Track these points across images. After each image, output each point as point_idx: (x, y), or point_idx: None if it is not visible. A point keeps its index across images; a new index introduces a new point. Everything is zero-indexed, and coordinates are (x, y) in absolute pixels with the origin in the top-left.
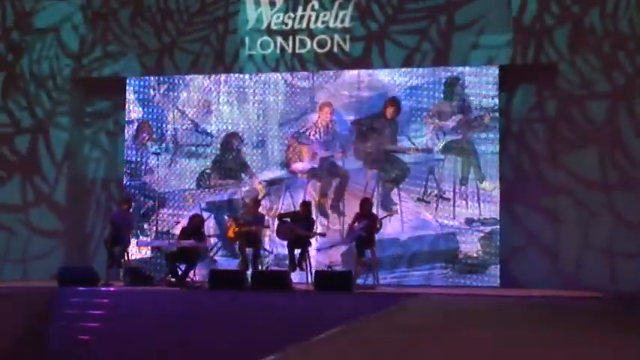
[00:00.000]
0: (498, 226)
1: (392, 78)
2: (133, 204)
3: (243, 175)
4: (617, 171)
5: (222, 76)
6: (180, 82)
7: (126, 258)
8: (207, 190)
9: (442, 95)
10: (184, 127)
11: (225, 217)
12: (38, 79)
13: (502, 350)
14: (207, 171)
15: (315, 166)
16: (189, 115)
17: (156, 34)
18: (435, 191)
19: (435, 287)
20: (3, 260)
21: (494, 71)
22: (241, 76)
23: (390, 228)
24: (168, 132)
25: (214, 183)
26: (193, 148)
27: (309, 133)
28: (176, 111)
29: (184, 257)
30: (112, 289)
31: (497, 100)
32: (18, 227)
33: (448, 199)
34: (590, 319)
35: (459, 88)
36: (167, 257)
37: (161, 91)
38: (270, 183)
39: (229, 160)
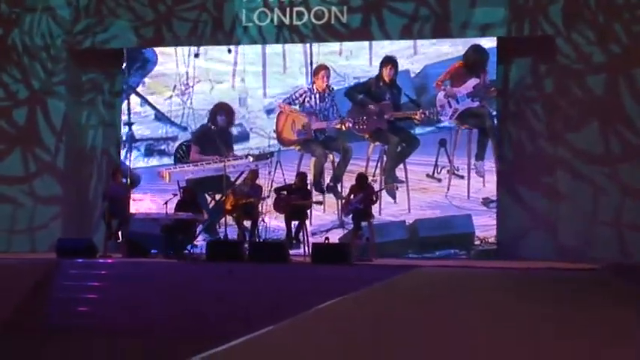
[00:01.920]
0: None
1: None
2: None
3: (226, 150)
4: (621, 142)
5: (201, 49)
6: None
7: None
8: (186, 165)
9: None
10: (144, 115)
11: (206, 196)
12: (31, 51)
13: (494, 322)
14: (186, 144)
15: (309, 136)
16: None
17: (150, 4)
18: (447, 167)
19: (432, 259)
20: (10, 232)
21: (491, 44)
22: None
23: (396, 209)
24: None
25: (194, 158)
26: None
27: (303, 98)
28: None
29: (182, 229)
30: (109, 260)
31: (494, 76)
32: (23, 198)
33: (462, 177)
34: (582, 290)
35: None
36: (164, 230)
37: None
38: (258, 157)
39: (212, 133)
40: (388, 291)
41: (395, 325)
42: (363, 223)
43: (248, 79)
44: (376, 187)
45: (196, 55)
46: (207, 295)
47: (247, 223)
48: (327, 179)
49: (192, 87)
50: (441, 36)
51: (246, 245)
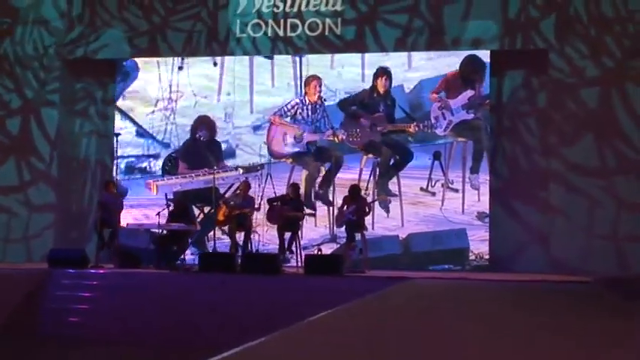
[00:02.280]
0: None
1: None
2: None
3: (214, 162)
4: (616, 156)
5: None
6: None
7: (116, 241)
8: (174, 177)
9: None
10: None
11: (195, 209)
12: (24, 61)
13: (488, 333)
14: (174, 155)
15: (301, 149)
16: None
17: (144, 16)
18: (442, 180)
19: (424, 271)
20: (5, 241)
21: (485, 58)
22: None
23: (389, 223)
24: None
25: (182, 171)
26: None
27: (295, 110)
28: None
29: (174, 240)
30: (101, 271)
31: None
32: (17, 208)
33: (457, 190)
34: (575, 302)
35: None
36: (156, 241)
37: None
38: (248, 169)
39: (199, 146)
40: (381, 303)
41: (387, 336)
42: (356, 235)
43: (235, 94)
44: (369, 199)
45: (180, 68)
46: (200, 307)
47: (240, 235)
48: (318, 190)
49: (176, 102)
50: (434, 48)
51: (239, 257)
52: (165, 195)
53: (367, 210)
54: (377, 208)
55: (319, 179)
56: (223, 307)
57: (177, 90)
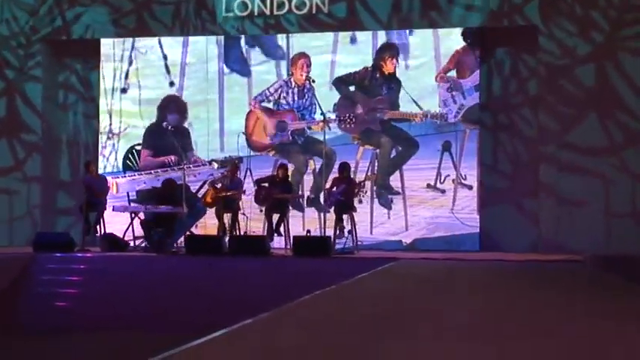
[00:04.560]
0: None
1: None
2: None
3: (185, 153)
4: (622, 129)
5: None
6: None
7: (102, 223)
8: (137, 173)
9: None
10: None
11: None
12: (1, 42)
13: (480, 312)
14: (138, 147)
15: (286, 139)
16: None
17: None
18: (453, 175)
19: (415, 252)
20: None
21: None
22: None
23: (390, 226)
24: None
25: (146, 163)
26: None
27: (278, 94)
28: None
29: (161, 223)
30: (88, 254)
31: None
32: (18, 185)
33: (470, 187)
34: (569, 282)
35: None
36: (142, 223)
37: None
38: (224, 163)
39: (165, 133)
40: (370, 283)
41: (377, 316)
42: (345, 216)
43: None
44: (368, 200)
45: (123, 91)
46: (188, 290)
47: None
48: (307, 190)
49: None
50: (427, 15)
51: (226, 239)
52: (127, 194)
53: (356, 191)
54: (377, 209)
55: (310, 179)
56: (212, 289)
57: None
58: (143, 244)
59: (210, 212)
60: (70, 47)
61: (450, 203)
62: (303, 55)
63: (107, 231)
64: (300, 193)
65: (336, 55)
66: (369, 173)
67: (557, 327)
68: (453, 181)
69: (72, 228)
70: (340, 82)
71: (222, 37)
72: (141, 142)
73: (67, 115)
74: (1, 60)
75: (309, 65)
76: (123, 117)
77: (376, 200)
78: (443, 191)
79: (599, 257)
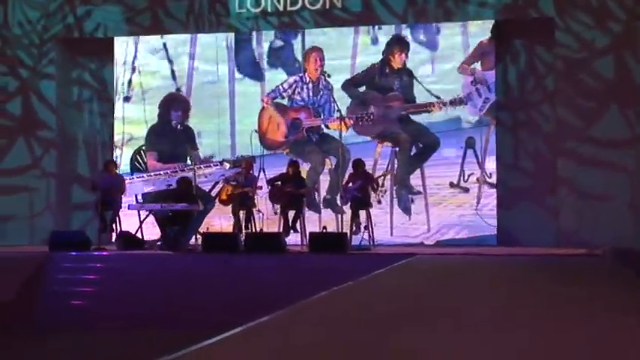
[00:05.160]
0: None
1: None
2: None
3: (192, 153)
4: None
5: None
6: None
7: (118, 222)
8: (144, 175)
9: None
10: None
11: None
12: (12, 42)
13: (500, 310)
14: (144, 149)
15: (300, 137)
16: None
17: None
18: (477, 173)
19: (432, 247)
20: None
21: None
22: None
23: (412, 228)
24: None
25: (152, 166)
26: None
27: (293, 89)
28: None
29: (177, 220)
30: (104, 253)
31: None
32: (36, 183)
33: (495, 185)
34: (587, 276)
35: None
36: (158, 221)
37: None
38: (236, 163)
39: (172, 132)
40: (388, 279)
41: (396, 312)
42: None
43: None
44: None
45: (127, 99)
46: (204, 287)
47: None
48: (324, 192)
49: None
50: (443, 6)
51: (242, 236)
52: (135, 196)
53: (375, 186)
54: (396, 212)
55: (327, 179)
56: (227, 287)
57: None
58: (159, 243)
59: (224, 210)
60: (83, 45)
61: (474, 202)
62: (315, 49)
63: (123, 229)
64: (314, 187)
65: (357, 58)
66: (386, 171)
67: (577, 323)
68: (477, 179)
69: (88, 225)
70: (350, 85)
71: (232, 36)
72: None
73: (82, 111)
74: (15, 59)
75: (322, 59)
76: (126, 124)
77: (396, 203)
78: (467, 190)
79: (618, 251)
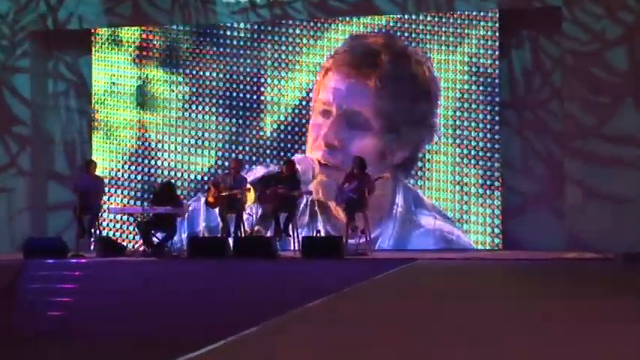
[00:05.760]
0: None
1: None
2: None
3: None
4: None
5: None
6: None
7: (97, 226)
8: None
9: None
10: None
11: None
12: None
13: (508, 316)
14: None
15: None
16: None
17: None
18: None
19: (433, 252)
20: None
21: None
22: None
23: (412, 237)
24: None
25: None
26: None
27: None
28: None
29: (161, 225)
30: (82, 260)
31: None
32: (13, 183)
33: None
34: (598, 281)
35: None
36: (140, 226)
37: None
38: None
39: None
40: (387, 284)
41: (393, 321)
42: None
43: None
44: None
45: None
46: (190, 295)
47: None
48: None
49: None
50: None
51: (231, 241)
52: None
53: (371, 190)
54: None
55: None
56: (216, 295)
57: None
58: (142, 248)
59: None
60: (59, 38)
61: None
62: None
63: (103, 234)
64: (309, 189)
65: None
66: (383, 174)
67: (589, 331)
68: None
69: (66, 229)
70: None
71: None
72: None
73: (58, 107)
74: None
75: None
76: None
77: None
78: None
79: (631, 255)
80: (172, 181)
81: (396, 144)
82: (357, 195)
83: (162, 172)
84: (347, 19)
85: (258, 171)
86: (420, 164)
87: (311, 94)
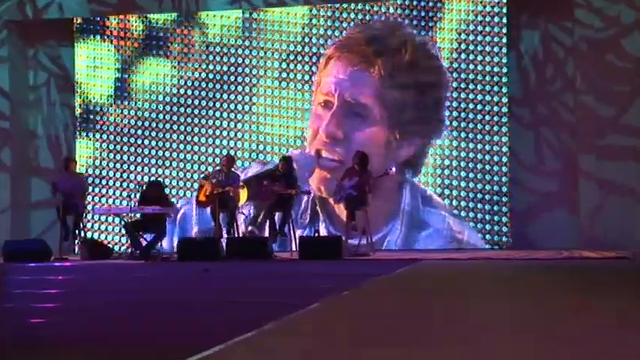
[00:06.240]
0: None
1: None
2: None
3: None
4: None
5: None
6: None
7: (81, 228)
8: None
9: None
10: None
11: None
12: None
13: (520, 321)
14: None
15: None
16: None
17: None
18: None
19: (440, 252)
20: None
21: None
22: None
23: (420, 237)
24: None
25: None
26: None
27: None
28: None
29: (149, 226)
30: (66, 264)
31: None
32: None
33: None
34: (613, 281)
35: None
36: (127, 227)
37: None
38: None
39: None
40: (390, 286)
41: (400, 322)
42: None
43: None
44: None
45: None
46: (181, 300)
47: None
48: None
49: None
50: None
51: (224, 242)
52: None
53: (372, 185)
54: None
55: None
56: (207, 300)
57: None
58: (129, 251)
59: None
60: (39, 27)
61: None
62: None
63: (88, 236)
64: (307, 189)
65: None
66: (388, 169)
67: (606, 334)
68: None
69: (49, 230)
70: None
71: None
72: None
73: (40, 99)
74: None
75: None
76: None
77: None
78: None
79: None
80: (161, 179)
81: (401, 137)
82: (357, 192)
83: (149, 170)
84: (351, 6)
85: (254, 168)
86: (426, 160)
87: (312, 87)
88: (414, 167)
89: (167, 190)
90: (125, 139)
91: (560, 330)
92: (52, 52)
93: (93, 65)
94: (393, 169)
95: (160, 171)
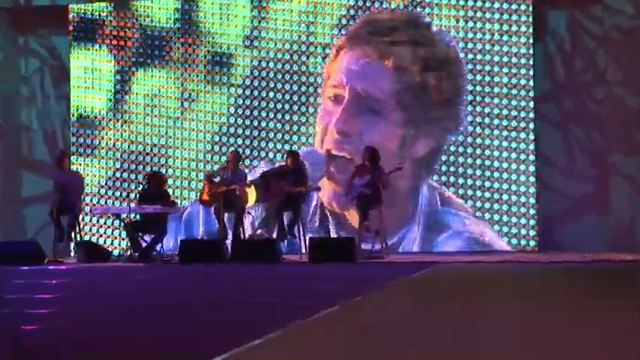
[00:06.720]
0: None
1: None
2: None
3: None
4: None
5: None
6: None
7: (77, 229)
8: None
9: None
10: None
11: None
12: None
13: (543, 327)
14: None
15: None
16: None
17: None
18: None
19: (459, 254)
20: None
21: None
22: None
23: (439, 240)
24: None
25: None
26: None
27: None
28: None
29: (150, 226)
30: (61, 267)
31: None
32: None
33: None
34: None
35: None
36: (127, 227)
37: None
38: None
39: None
40: (407, 290)
41: (411, 337)
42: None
43: None
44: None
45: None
46: (183, 305)
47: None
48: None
49: None
50: None
51: (228, 243)
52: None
53: (386, 185)
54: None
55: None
56: (212, 304)
57: None
58: (128, 252)
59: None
60: (32, 14)
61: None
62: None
63: (84, 238)
64: (318, 185)
65: None
66: (400, 164)
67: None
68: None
69: (43, 230)
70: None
71: None
72: None
73: (33, 89)
74: None
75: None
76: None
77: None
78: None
79: None
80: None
81: (416, 133)
82: (370, 190)
83: (151, 169)
84: None
85: (261, 168)
86: (444, 158)
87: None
88: (430, 165)
89: (169, 189)
90: (125, 137)
91: (583, 334)
92: (46, 42)
93: (90, 58)
94: (407, 163)
95: (162, 170)
